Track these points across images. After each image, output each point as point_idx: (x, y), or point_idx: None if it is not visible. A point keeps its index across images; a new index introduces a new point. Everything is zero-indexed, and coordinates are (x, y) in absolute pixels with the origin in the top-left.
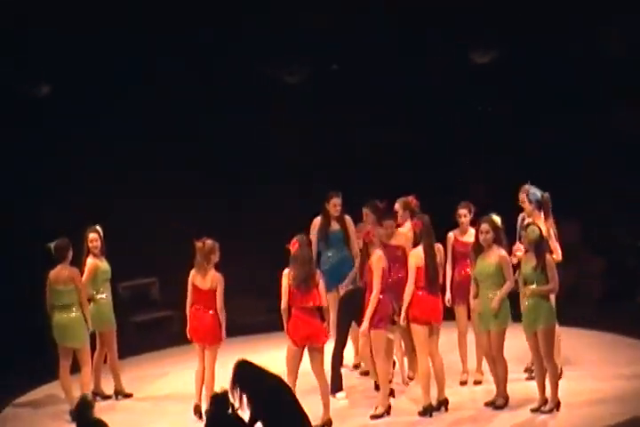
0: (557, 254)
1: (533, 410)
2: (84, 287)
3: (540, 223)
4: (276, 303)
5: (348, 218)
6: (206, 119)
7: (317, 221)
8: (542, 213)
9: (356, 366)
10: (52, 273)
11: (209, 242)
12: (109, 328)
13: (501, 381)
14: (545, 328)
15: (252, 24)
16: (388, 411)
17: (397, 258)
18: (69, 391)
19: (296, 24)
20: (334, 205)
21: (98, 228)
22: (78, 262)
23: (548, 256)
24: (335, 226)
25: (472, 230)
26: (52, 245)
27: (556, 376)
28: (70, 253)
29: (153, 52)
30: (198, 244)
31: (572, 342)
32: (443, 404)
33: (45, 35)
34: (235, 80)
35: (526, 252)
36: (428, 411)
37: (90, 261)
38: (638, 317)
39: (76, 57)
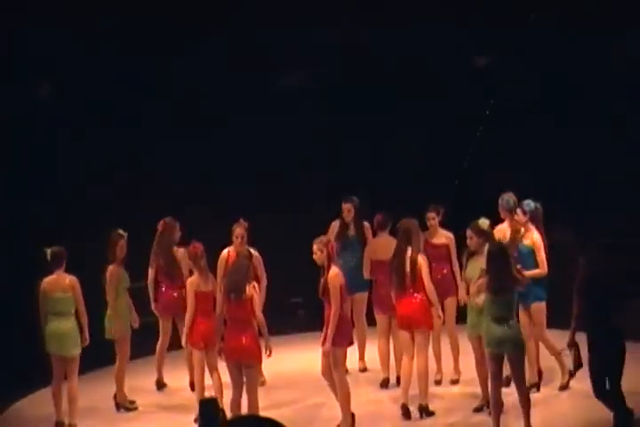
0: (543, 268)
1: None
2: (111, 290)
3: (530, 235)
4: None
5: (366, 224)
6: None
7: (335, 224)
8: (532, 224)
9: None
10: (48, 280)
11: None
12: (117, 335)
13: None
14: (513, 354)
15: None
16: None
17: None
18: (59, 404)
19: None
20: (347, 210)
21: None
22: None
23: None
24: (352, 231)
25: (443, 232)
26: (49, 251)
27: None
28: (64, 262)
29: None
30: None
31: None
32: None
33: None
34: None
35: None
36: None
37: (113, 267)
38: None
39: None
